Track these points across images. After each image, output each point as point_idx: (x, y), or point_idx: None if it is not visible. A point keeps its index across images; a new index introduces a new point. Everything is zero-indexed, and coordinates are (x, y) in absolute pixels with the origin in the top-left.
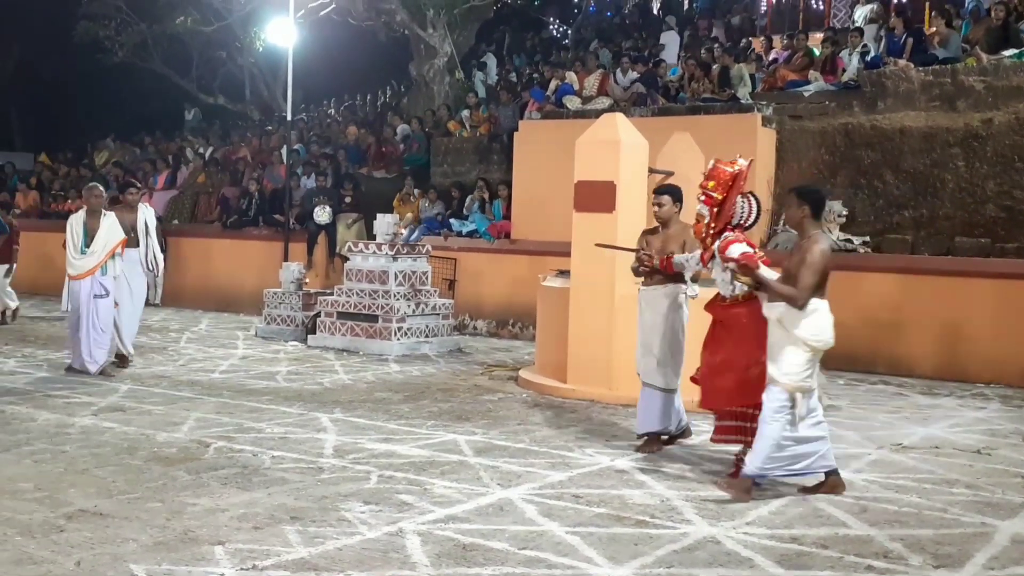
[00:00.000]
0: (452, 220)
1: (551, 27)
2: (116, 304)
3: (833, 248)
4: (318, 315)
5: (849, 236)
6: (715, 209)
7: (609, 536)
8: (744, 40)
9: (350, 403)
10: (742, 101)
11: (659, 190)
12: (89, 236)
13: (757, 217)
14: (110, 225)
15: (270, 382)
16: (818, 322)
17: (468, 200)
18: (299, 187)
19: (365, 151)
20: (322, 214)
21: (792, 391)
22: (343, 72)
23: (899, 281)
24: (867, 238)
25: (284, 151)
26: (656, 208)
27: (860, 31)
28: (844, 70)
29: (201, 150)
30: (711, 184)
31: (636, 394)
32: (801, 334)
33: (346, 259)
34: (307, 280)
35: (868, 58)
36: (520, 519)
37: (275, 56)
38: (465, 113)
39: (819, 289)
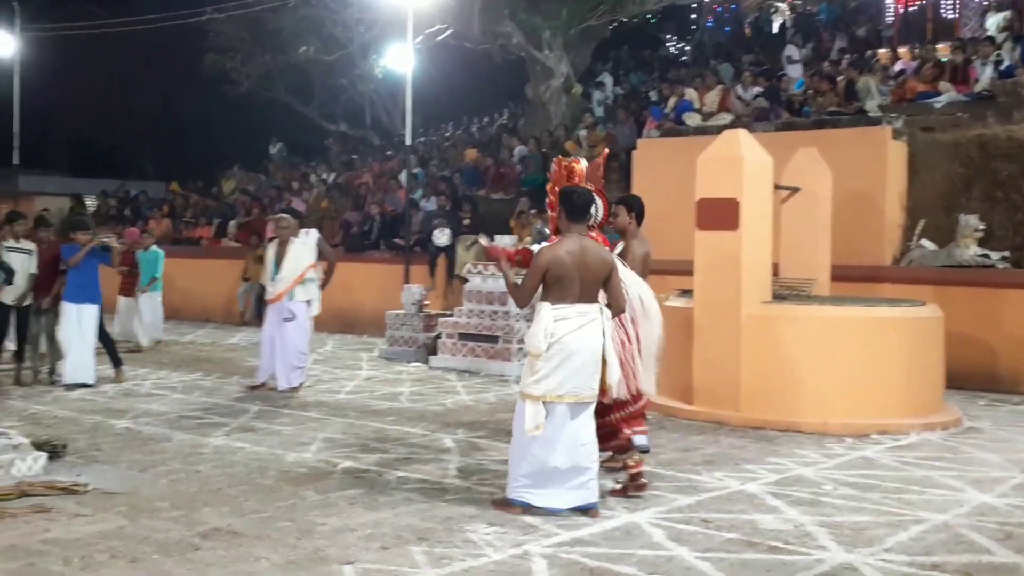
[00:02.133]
0: None
1: (668, 44)
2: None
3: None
4: (439, 336)
5: (987, 251)
6: (556, 212)
7: (740, 562)
8: (869, 52)
9: (472, 424)
10: (870, 114)
11: (616, 200)
12: (278, 264)
13: (601, 215)
14: (295, 252)
15: (394, 403)
16: (535, 324)
17: None
18: (419, 210)
19: (483, 173)
20: (442, 236)
21: (523, 395)
22: (460, 95)
23: None
24: (1006, 253)
25: (404, 175)
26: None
27: (992, 40)
28: (977, 80)
29: (324, 176)
30: (553, 187)
31: (767, 417)
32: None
33: (465, 280)
34: (427, 302)
35: (1002, 67)
36: (648, 543)
37: (394, 82)
38: (582, 132)
39: (549, 292)
